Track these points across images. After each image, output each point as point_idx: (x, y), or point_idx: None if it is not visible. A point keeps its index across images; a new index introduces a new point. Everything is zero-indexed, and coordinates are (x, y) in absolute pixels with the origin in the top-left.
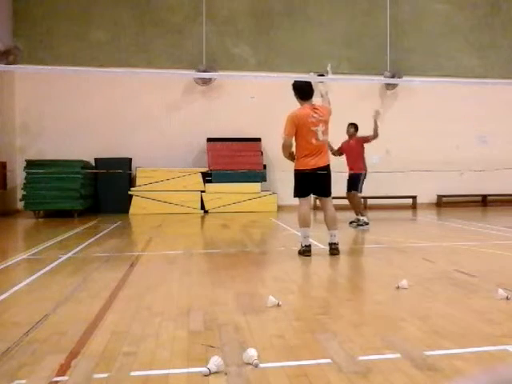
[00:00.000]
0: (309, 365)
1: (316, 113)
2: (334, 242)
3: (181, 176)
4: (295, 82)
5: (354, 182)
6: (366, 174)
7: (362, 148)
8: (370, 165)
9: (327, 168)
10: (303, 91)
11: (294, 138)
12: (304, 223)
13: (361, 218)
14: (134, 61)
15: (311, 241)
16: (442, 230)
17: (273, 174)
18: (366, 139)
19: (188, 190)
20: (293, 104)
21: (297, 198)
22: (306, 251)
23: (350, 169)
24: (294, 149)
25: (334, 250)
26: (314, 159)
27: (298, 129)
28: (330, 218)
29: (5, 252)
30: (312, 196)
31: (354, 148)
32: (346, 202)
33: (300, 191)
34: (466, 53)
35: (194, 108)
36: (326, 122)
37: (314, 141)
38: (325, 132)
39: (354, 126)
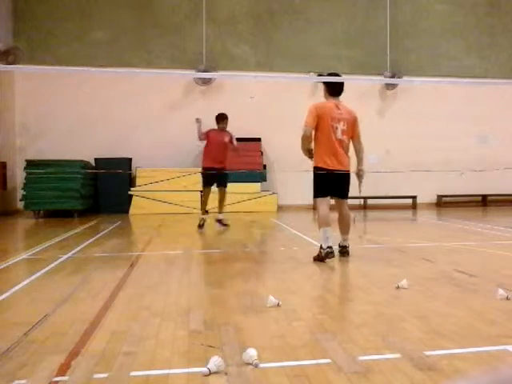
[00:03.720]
0: (309, 365)
1: (339, 109)
2: (345, 245)
3: (181, 176)
4: (329, 74)
5: (226, 178)
6: None
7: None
8: (367, 164)
9: (347, 170)
10: (334, 86)
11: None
12: (324, 223)
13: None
14: (134, 61)
15: (312, 241)
16: (441, 230)
17: (273, 174)
18: (232, 141)
19: (188, 190)
20: (293, 104)
21: (299, 198)
22: (328, 253)
23: (220, 162)
24: (312, 145)
25: (345, 253)
26: (332, 159)
27: (319, 121)
28: (346, 222)
29: (5, 252)
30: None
31: (225, 141)
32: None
33: (319, 192)
34: (466, 53)
35: (194, 108)
36: (348, 123)
37: (332, 137)
38: (345, 132)
39: (226, 118)
